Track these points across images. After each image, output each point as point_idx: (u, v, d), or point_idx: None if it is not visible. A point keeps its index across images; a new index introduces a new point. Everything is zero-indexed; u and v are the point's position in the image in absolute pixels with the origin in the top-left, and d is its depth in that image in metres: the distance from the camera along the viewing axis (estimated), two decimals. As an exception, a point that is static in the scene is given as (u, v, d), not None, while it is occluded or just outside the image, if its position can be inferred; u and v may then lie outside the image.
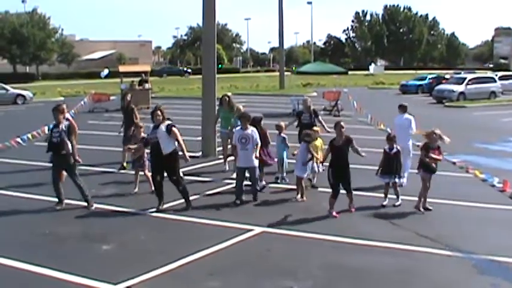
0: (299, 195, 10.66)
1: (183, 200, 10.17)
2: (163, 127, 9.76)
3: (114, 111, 27.84)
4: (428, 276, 7.03)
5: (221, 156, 13.73)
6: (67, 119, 10.30)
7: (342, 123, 9.85)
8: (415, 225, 9.08)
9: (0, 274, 7.18)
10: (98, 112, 28.49)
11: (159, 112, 9.86)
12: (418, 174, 9.92)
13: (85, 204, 10.10)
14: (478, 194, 11.00)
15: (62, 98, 38.87)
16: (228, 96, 13.66)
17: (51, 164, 10.22)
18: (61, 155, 9.85)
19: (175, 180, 9.95)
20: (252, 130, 10.55)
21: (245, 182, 10.61)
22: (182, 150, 9.89)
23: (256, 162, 10.55)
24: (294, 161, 11.01)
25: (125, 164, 13.54)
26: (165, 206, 10.01)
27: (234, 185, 11.24)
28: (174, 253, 7.68)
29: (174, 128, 9.78)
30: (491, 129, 21.70)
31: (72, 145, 9.86)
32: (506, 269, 7.34)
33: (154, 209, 9.89)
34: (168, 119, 10.04)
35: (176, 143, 9.85)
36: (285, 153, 11.92)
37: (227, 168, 13.27)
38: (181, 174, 10.50)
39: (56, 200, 10.09)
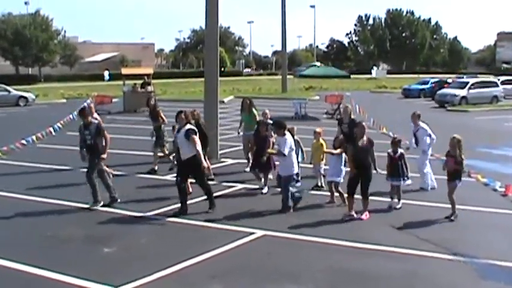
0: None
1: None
2: (183, 132, 9.71)
3: (117, 113, 27.90)
4: (431, 281, 7.02)
5: (223, 159, 13.67)
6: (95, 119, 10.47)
7: (363, 123, 9.78)
8: (417, 229, 9.07)
9: (2, 276, 7.19)
10: (100, 114, 28.34)
11: (182, 115, 9.90)
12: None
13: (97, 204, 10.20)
14: (480, 198, 10.98)
15: (65, 100, 38.95)
16: (250, 100, 13.61)
17: (55, 167, 10.24)
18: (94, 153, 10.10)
19: (200, 184, 9.98)
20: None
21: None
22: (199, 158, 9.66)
23: (294, 170, 10.13)
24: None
25: (156, 168, 13.16)
26: (166, 209, 10.01)
27: (235, 188, 11.29)
28: (176, 256, 7.68)
29: (193, 136, 9.58)
30: (494, 133, 21.66)
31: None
32: (508, 273, 7.34)
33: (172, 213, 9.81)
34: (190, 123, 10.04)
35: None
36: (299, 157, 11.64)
37: (248, 169, 12.84)
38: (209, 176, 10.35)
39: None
